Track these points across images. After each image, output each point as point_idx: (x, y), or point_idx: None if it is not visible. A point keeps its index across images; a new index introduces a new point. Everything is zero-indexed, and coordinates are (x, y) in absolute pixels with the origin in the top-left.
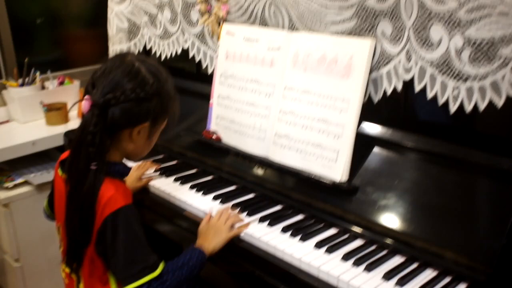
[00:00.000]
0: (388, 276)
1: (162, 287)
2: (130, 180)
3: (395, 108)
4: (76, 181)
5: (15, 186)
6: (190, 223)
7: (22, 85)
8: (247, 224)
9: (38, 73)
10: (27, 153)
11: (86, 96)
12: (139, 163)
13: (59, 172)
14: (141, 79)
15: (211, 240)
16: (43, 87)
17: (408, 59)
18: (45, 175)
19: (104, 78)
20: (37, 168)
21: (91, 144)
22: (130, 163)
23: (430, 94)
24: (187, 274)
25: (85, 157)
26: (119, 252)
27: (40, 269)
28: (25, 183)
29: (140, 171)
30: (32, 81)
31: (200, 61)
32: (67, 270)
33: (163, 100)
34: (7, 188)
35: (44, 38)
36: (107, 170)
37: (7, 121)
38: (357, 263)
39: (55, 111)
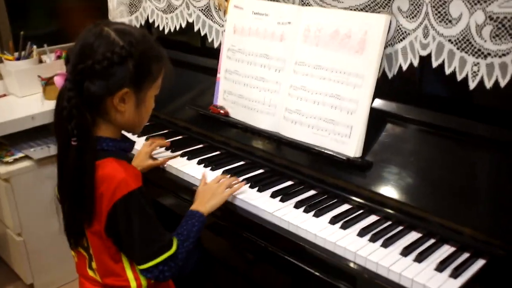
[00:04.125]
0: (405, 251)
1: (176, 262)
2: (140, 158)
3: (410, 83)
4: (60, 158)
5: (15, 160)
6: None
7: (19, 58)
8: (243, 183)
9: (35, 47)
10: (26, 128)
11: (59, 71)
12: (148, 142)
13: None
14: (111, 43)
15: (207, 202)
16: (40, 61)
17: (425, 35)
18: (45, 150)
19: (74, 49)
20: (37, 142)
21: (68, 120)
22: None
23: (448, 70)
24: (193, 241)
25: (64, 133)
26: (134, 234)
27: (42, 243)
28: (25, 157)
29: (149, 148)
30: (29, 55)
31: (205, 35)
32: (80, 249)
33: (139, 61)
34: (7, 163)
35: (40, 10)
36: (108, 148)
37: (4, 95)
38: (373, 239)
39: (54, 85)
